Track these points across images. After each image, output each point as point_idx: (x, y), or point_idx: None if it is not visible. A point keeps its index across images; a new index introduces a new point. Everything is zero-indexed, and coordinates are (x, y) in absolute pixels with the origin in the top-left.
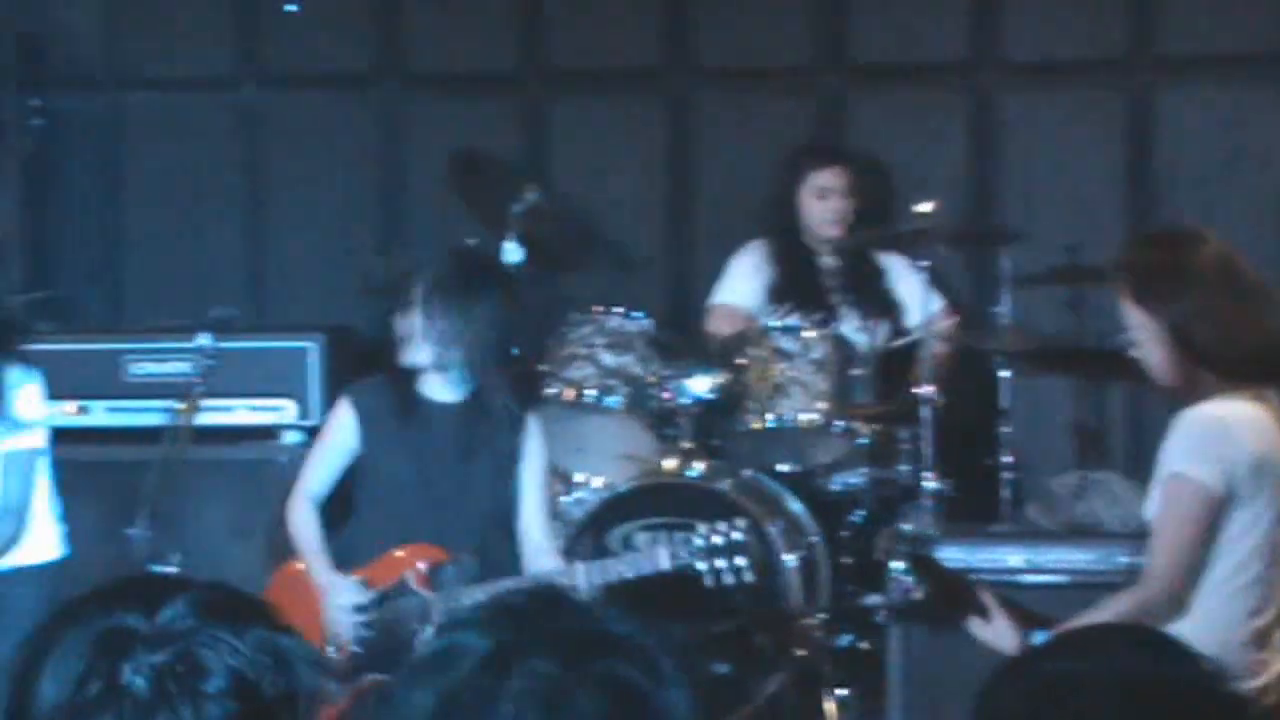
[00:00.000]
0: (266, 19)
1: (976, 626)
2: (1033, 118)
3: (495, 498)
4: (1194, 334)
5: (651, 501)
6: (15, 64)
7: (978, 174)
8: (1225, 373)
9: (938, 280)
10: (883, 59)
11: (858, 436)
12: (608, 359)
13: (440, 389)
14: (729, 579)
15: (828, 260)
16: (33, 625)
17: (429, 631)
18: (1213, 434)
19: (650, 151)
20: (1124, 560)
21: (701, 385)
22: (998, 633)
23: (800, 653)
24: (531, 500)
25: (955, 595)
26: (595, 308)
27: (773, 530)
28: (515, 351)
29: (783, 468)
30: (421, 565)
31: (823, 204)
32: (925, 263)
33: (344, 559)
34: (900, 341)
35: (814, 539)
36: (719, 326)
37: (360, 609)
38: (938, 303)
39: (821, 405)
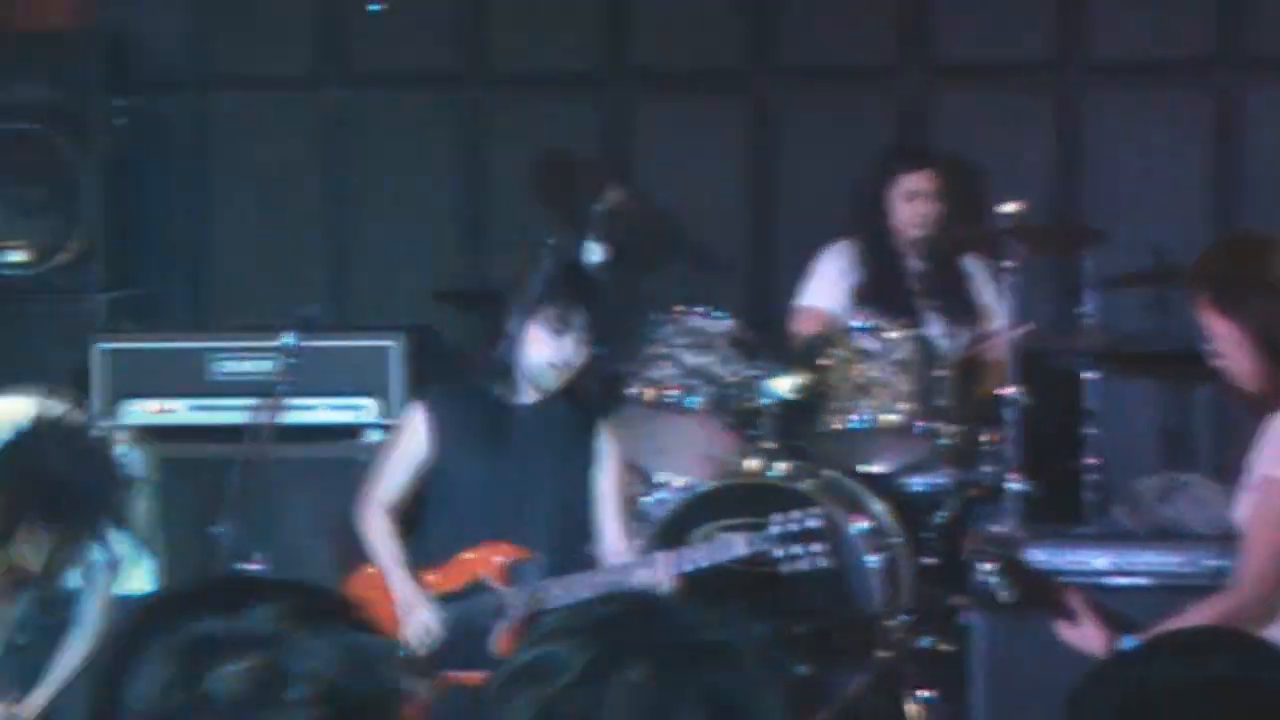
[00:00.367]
0: (351, 19)
1: (1064, 629)
2: (1118, 118)
3: (571, 499)
4: (1278, 338)
5: (733, 501)
6: (102, 65)
7: (1062, 174)
8: None
9: (1022, 282)
10: (967, 58)
11: (940, 438)
12: (690, 359)
13: (517, 391)
14: (805, 565)
15: (914, 263)
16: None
17: (504, 626)
18: None
19: (733, 151)
20: (1210, 563)
21: (784, 385)
22: (1085, 636)
23: (882, 654)
24: (608, 501)
25: (1043, 598)
26: (677, 308)
27: (855, 531)
28: (597, 352)
29: (865, 468)
30: (498, 561)
31: (911, 207)
32: (1010, 264)
33: (418, 560)
34: (983, 344)
35: (896, 540)
36: (804, 328)
37: (437, 626)
38: (1015, 307)
39: (904, 406)
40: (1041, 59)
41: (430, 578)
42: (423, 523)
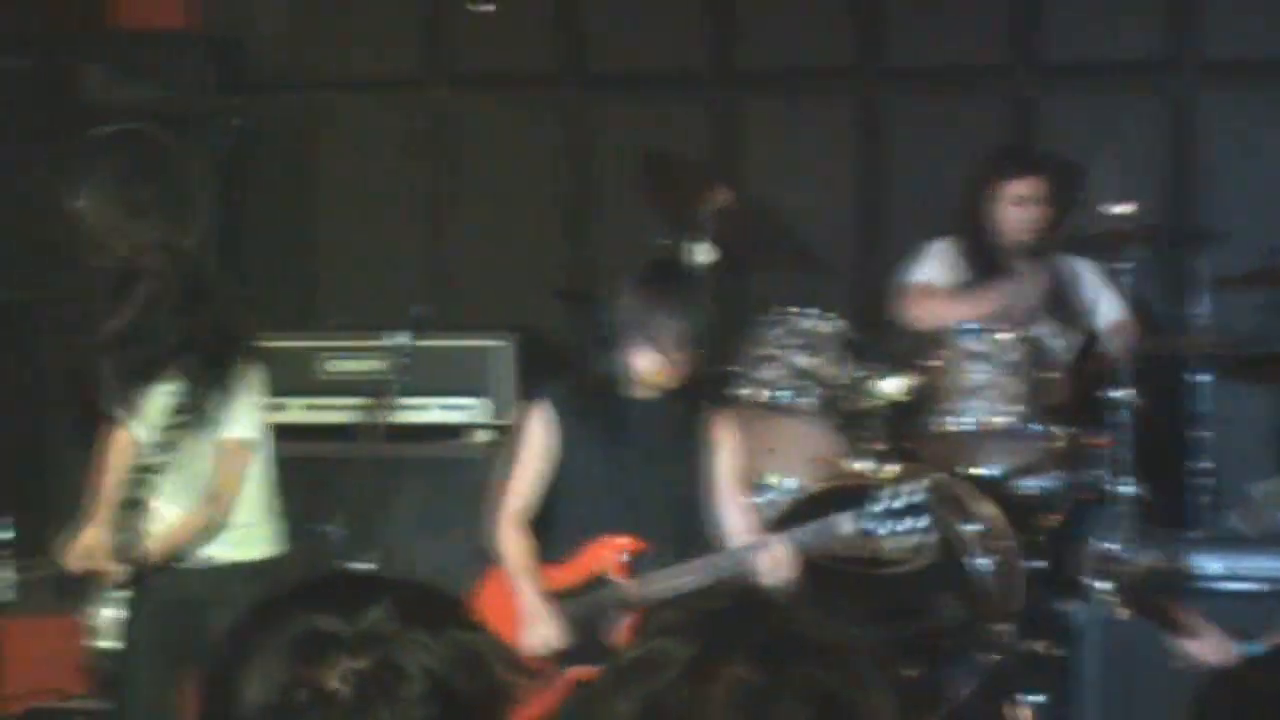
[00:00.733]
0: (455, 21)
1: (1182, 642)
2: (1229, 117)
3: (690, 489)
4: None
5: (843, 503)
6: (211, 66)
7: (1173, 175)
8: None
9: (1133, 283)
10: (1076, 58)
11: (1050, 440)
12: (799, 360)
13: (634, 388)
14: (911, 540)
15: (1021, 265)
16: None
17: (624, 619)
18: None
19: (841, 151)
20: None
21: (894, 387)
22: (1204, 649)
23: (991, 657)
24: (726, 488)
25: (1162, 616)
26: (787, 309)
27: (965, 533)
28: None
29: (975, 470)
30: (619, 555)
31: (1018, 212)
32: (1121, 265)
33: (544, 554)
34: (1093, 346)
35: (1006, 543)
36: (917, 304)
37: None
38: (1124, 308)
39: (1015, 408)
40: (1153, 58)
41: (553, 573)
42: (548, 517)
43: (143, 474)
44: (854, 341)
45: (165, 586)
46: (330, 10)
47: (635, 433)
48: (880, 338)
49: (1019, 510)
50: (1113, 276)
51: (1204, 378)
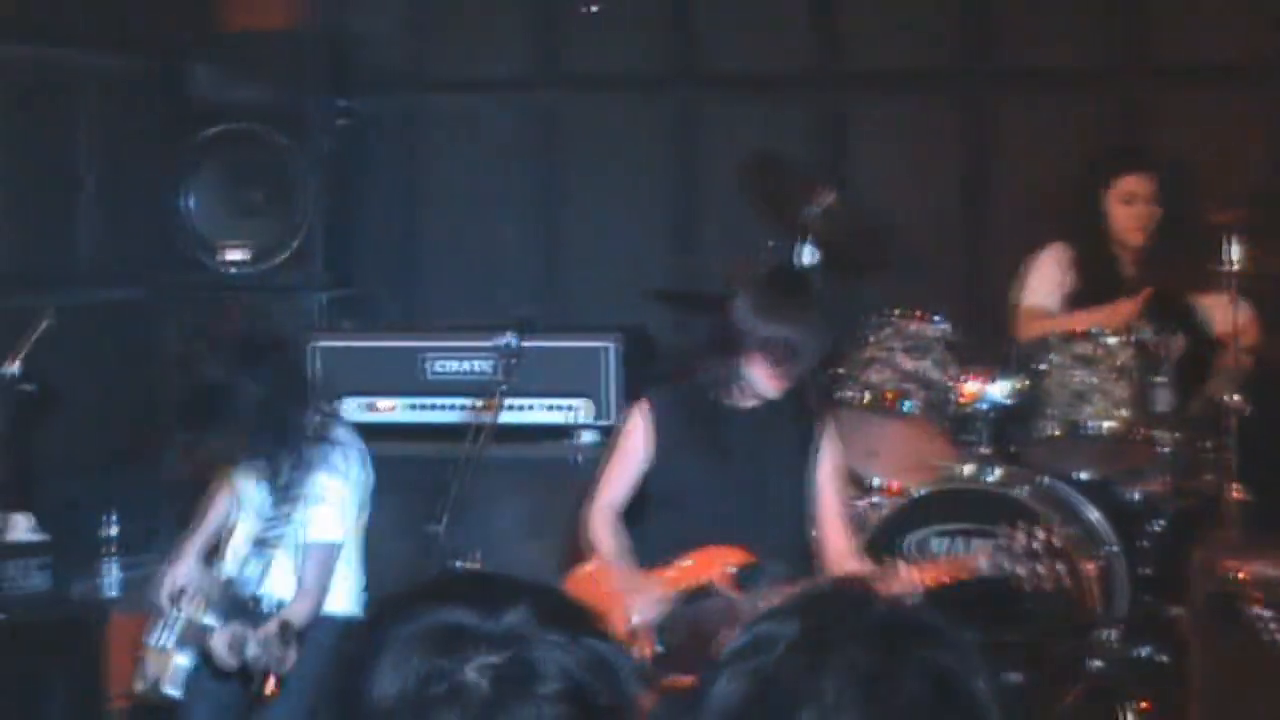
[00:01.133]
0: (564, 21)
1: None
2: None
3: (791, 501)
4: None
5: (948, 507)
6: (321, 66)
7: None
8: None
9: (1241, 287)
10: (1186, 59)
11: (1159, 445)
12: (906, 363)
13: (741, 396)
14: (1047, 585)
15: (1130, 266)
16: (312, 674)
17: (732, 632)
18: None
19: (947, 152)
20: None
21: (1000, 390)
22: None
23: (1097, 663)
24: (829, 504)
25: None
26: (894, 311)
27: (1071, 538)
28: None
29: (1081, 475)
30: (728, 567)
31: (1129, 210)
32: (1231, 268)
33: (640, 560)
34: (1203, 350)
35: (1113, 548)
36: (1029, 329)
37: (656, 612)
38: (1244, 311)
39: (1122, 413)
40: (1263, 59)
41: (661, 574)
42: (645, 522)
43: (256, 546)
44: (960, 344)
45: None
46: (440, 10)
47: (740, 442)
48: (986, 340)
49: (1126, 515)
50: (1221, 280)
51: None
